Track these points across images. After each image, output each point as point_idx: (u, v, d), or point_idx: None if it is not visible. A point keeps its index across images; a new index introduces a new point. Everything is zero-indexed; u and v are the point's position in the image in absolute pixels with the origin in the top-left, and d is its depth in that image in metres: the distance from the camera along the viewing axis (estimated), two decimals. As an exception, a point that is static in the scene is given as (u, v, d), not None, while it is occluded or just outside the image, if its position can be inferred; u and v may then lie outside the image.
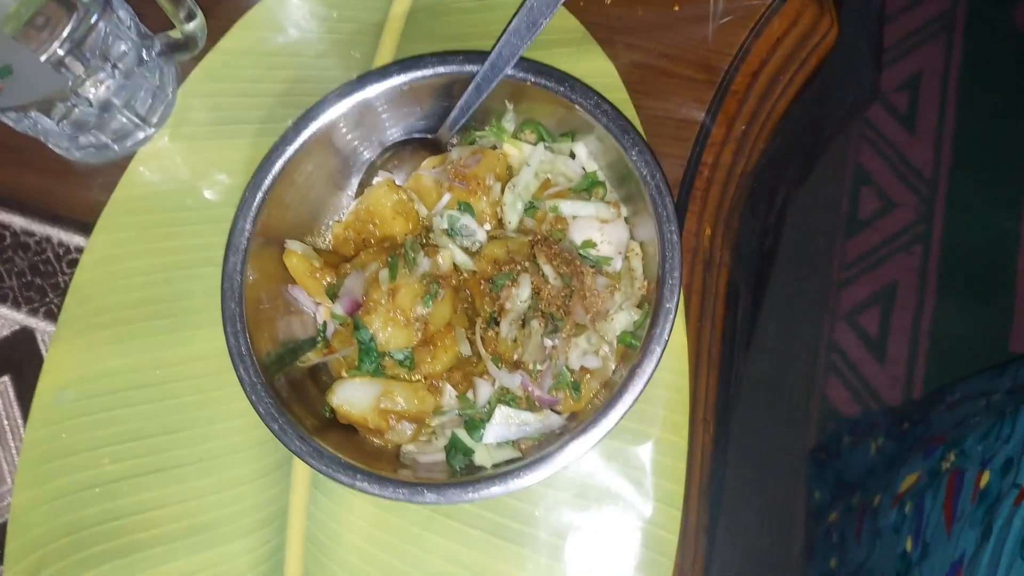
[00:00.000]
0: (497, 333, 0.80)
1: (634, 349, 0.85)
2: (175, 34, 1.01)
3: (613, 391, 0.83)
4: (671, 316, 0.81)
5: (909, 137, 2.67)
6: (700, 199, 0.99)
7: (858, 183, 2.60)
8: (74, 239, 1.00)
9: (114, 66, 0.98)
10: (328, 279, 0.83)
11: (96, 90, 0.98)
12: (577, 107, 0.89)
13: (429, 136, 0.90)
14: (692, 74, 1.01)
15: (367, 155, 0.91)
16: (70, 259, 1.00)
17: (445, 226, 0.84)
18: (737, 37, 1.02)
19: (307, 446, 0.82)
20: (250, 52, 1.06)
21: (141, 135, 1.04)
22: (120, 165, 0.99)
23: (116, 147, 1.04)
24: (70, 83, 0.94)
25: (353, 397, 0.80)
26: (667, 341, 0.81)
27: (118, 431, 0.92)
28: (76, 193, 1.00)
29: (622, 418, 0.81)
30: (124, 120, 1.02)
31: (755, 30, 1.02)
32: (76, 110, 0.98)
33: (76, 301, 0.96)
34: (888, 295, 2.56)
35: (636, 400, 0.80)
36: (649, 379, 0.80)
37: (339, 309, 0.80)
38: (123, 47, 0.98)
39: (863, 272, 2.57)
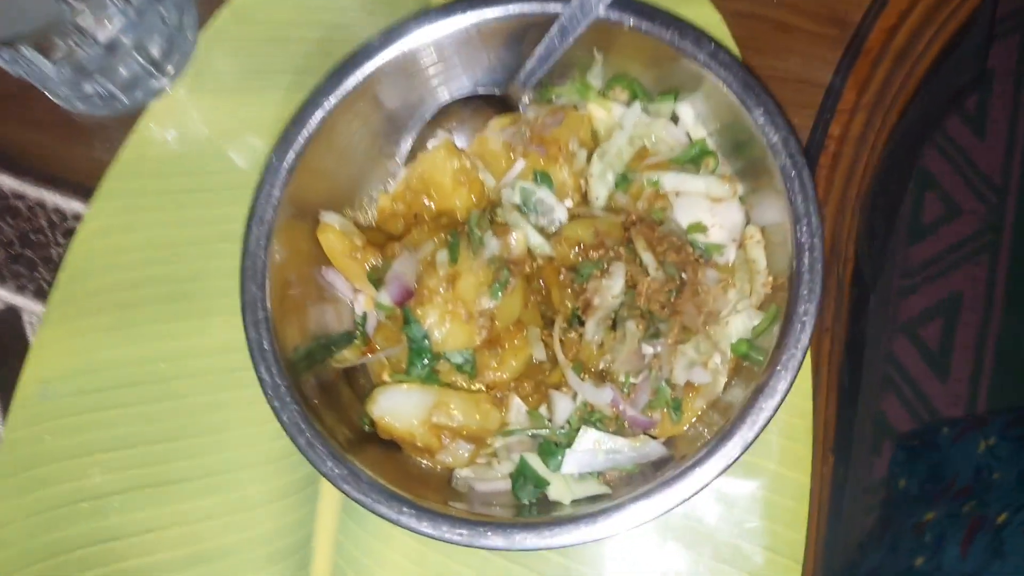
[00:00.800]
0: (580, 335, 0.71)
1: (754, 363, 0.69)
2: (197, -38, 0.87)
3: (728, 415, 0.68)
4: (809, 324, 0.67)
5: (978, 141, 2.52)
6: (825, 179, 0.82)
7: (922, 187, 2.45)
8: (71, 205, 0.93)
9: (126, 0, 0.85)
10: (372, 261, 0.75)
11: (102, 26, 0.85)
12: (686, 57, 0.74)
13: (497, 92, 0.82)
14: (816, 28, 0.87)
15: (422, 113, 0.83)
16: (66, 228, 0.92)
17: (517, 200, 0.75)
18: None
19: (340, 467, 0.71)
20: None
21: (155, 85, 0.93)
22: (129, 120, 0.93)
23: (125, 98, 0.92)
24: (69, 13, 0.79)
25: (398, 407, 0.72)
26: (803, 357, 0.65)
27: (112, 436, 0.85)
28: (76, 151, 0.94)
29: (744, 452, 0.64)
30: (135, 66, 0.90)
31: None
32: (79, 50, 0.85)
33: (70, 278, 0.90)
34: (952, 307, 2.42)
35: (762, 430, 0.64)
36: (780, 404, 0.64)
37: (385, 298, 0.72)
38: None
39: (926, 281, 2.43)
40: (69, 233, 0.92)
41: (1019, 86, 2.48)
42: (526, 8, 0.76)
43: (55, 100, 0.93)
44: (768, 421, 0.66)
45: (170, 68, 0.93)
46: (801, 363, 0.67)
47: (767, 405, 0.66)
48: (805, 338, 0.67)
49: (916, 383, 2.37)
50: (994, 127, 2.45)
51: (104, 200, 0.91)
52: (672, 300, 0.71)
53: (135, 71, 0.90)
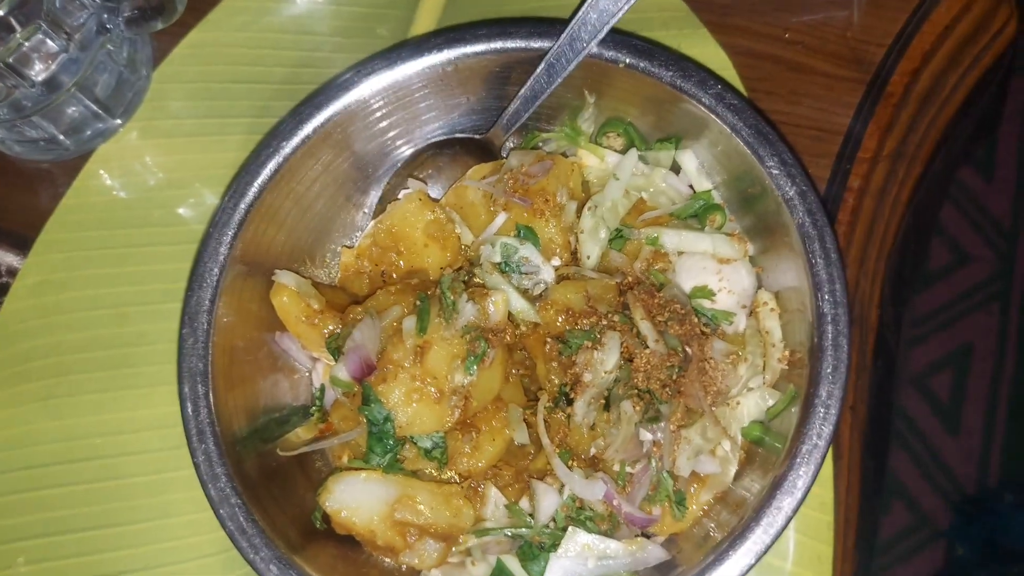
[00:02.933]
0: (569, 416, 0.65)
1: (770, 450, 0.61)
2: (148, -6, 0.80)
3: (740, 512, 0.59)
4: (834, 408, 0.59)
5: (984, 183, 2.48)
6: (844, 236, 0.75)
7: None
8: (6, 259, 0.87)
9: (67, 34, 0.79)
10: (330, 326, 0.71)
11: (42, 64, 0.79)
12: (689, 100, 0.68)
13: (477, 137, 0.77)
14: (833, 69, 0.80)
15: (393, 159, 0.79)
16: None
17: (498, 258, 0.70)
18: (894, 23, 0.81)
19: (287, 572, 0.60)
20: (247, 27, 0.89)
21: (102, 127, 0.87)
22: (74, 166, 0.88)
23: (69, 142, 0.86)
24: (1, 51, 0.73)
25: (357, 500, 0.65)
26: (828, 448, 0.57)
27: (42, 520, 0.80)
28: (14, 198, 0.88)
29: (759, 560, 0.55)
30: (80, 107, 0.84)
31: (917, 14, 0.81)
32: (16, 90, 0.79)
33: (2, 340, 0.84)
34: (962, 358, 2.36)
35: (780, 533, 0.55)
36: (801, 502, 0.56)
37: (342, 371, 0.66)
38: (80, 10, 0.79)
39: (936, 331, 2.37)
40: (3, 289, 0.86)
41: (1027, 125, 2.44)
42: (509, 44, 0.70)
43: (-8, 144, 0.87)
44: (787, 522, 0.57)
45: (120, 110, 0.87)
46: (825, 454, 0.58)
47: (785, 504, 0.57)
48: (829, 427, 0.58)
49: (926, 437, 2.32)
50: (1002, 169, 2.41)
51: (42, 253, 0.85)
52: (674, 378, 0.63)
53: (80, 112, 0.84)
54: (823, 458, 0.58)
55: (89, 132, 0.87)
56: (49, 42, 0.77)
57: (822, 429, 0.58)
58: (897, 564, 2.08)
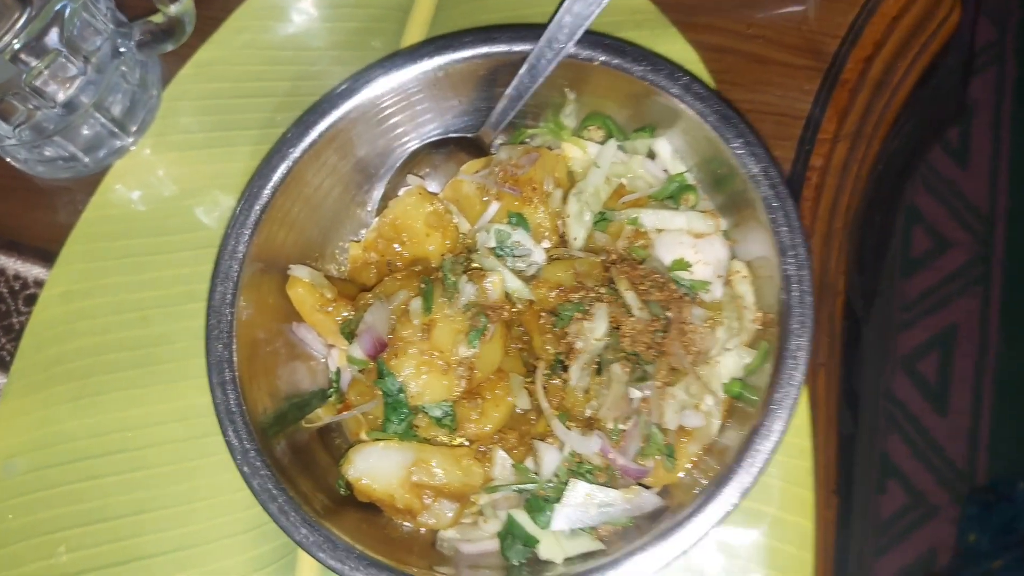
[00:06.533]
0: (565, 381, 0.68)
1: (748, 403, 0.66)
2: (157, 19, 0.86)
3: (724, 459, 0.64)
4: (802, 359, 0.64)
5: (961, 171, 2.51)
6: (810, 211, 0.80)
7: (909, 221, 2.44)
8: (33, 271, 0.90)
9: (85, 58, 0.82)
10: (343, 313, 0.73)
11: (61, 87, 0.82)
12: (659, 91, 0.73)
13: (469, 135, 0.80)
14: (792, 59, 0.85)
15: (392, 159, 0.82)
16: (27, 295, 0.89)
17: (493, 244, 0.73)
18: (845, 16, 0.86)
19: (315, 534, 0.67)
20: (249, 45, 0.93)
21: (118, 144, 0.91)
22: (92, 181, 0.91)
23: (87, 159, 0.90)
24: (26, 75, 0.77)
25: (376, 468, 0.69)
26: (799, 394, 0.62)
27: (78, 511, 0.82)
28: (37, 215, 0.92)
29: (743, 497, 0.60)
30: (97, 126, 0.88)
31: (867, 7, 0.86)
32: (38, 112, 0.83)
33: (33, 347, 0.87)
34: (948, 339, 2.39)
35: (760, 474, 0.60)
36: (777, 444, 0.61)
37: (357, 351, 0.69)
38: (95, 35, 0.82)
39: (924, 314, 2.39)
40: (31, 300, 0.88)
41: (998, 117, 2.48)
42: (493, 49, 0.75)
43: (15, 164, 0.91)
44: (766, 464, 0.63)
45: (134, 127, 0.91)
46: (797, 401, 0.64)
47: (764, 447, 0.63)
48: (799, 374, 0.64)
49: (917, 419, 2.34)
50: (976, 156, 2.44)
51: (66, 264, 0.88)
52: (658, 341, 0.67)
53: (97, 132, 0.88)
54: (795, 403, 0.63)
55: (105, 150, 0.90)
56: (69, 66, 0.81)
57: (793, 377, 0.64)
58: (896, 544, 2.10)
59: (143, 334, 0.85)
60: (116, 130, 0.89)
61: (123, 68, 0.87)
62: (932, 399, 2.30)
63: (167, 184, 0.90)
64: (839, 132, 0.83)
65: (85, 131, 0.87)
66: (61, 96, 0.83)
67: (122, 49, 0.86)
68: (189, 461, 0.82)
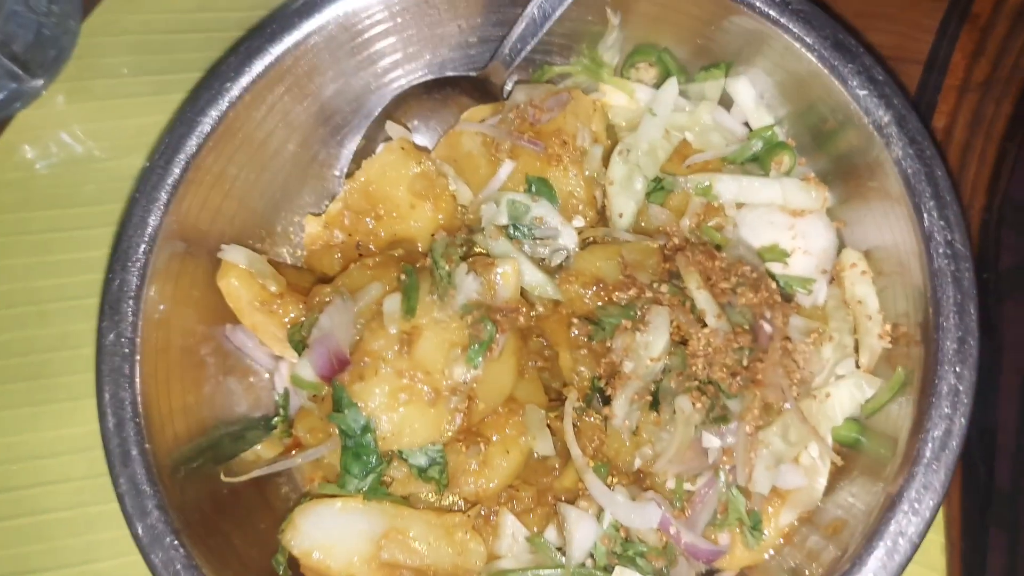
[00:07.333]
0: (605, 418, 0.54)
1: (872, 456, 0.51)
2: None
3: (840, 539, 0.48)
4: (966, 395, 0.45)
5: None
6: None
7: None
8: None
9: None
10: (293, 313, 0.60)
11: None
12: (742, 9, 0.56)
13: (473, 74, 0.68)
14: None
15: (369, 106, 0.68)
16: None
17: (504, 220, 0.61)
18: None
19: None
20: None
21: (19, 88, 0.77)
22: None
23: None
24: None
25: (331, 537, 0.55)
26: (961, 448, 0.46)
27: None
28: None
29: None
30: None
31: None
32: None
33: None
34: None
35: (903, 567, 0.43)
36: (930, 524, 0.43)
37: (306, 369, 0.55)
38: None
39: None
40: None
41: None
42: None
43: None
44: (913, 552, 0.44)
45: (40, 67, 0.77)
46: (957, 459, 0.44)
47: (910, 528, 0.44)
48: (960, 418, 0.45)
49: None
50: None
51: None
52: (745, 363, 0.50)
53: None
54: (955, 464, 0.44)
55: (3, 94, 0.76)
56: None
57: (952, 424, 0.44)
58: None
59: (39, 335, 0.75)
60: (17, 70, 0.76)
61: (27, -8, 0.73)
62: None
63: (82, 141, 0.80)
64: (969, 79, 0.69)
65: (-25, 72, 0.74)
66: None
67: (24, -36, 0.72)
68: (90, 506, 0.70)
